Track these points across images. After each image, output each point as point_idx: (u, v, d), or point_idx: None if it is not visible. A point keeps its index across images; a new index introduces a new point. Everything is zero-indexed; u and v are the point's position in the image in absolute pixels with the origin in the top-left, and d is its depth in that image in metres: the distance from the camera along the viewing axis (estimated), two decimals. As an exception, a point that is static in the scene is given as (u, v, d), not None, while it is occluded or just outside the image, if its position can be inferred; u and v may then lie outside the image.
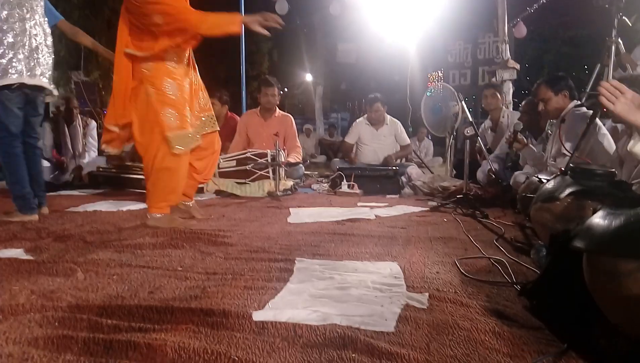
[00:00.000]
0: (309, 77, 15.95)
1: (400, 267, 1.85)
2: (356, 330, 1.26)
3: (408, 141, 5.30)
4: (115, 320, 1.30)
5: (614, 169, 1.85)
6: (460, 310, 1.43)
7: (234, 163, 4.03)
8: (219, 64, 13.09)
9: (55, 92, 2.91)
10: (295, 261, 1.90)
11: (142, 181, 4.29)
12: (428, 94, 4.82)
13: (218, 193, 4.08)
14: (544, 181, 2.21)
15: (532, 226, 2.08)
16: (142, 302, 1.44)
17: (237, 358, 1.08)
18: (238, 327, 1.26)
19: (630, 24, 4.91)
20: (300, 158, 4.86)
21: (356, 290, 1.59)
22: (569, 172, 1.90)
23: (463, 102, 3.56)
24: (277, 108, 4.83)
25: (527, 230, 2.51)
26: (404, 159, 5.39)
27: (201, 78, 2.85)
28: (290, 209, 3.28)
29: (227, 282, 1.65)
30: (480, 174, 4.16)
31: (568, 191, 1.81)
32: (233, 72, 10.53)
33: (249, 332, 1.24)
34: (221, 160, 3.96)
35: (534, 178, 2.35)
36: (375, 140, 5.11)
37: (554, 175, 2.14)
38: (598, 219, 1.19)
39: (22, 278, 1.68)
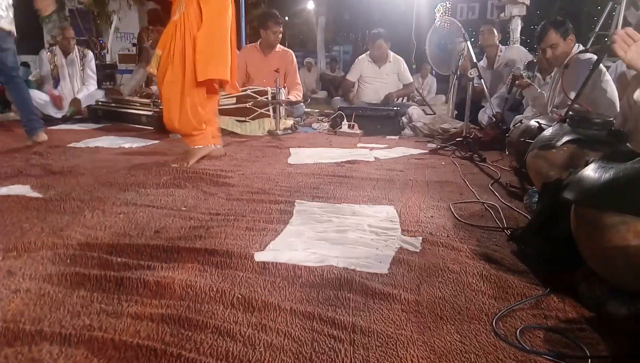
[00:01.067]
0: (310, 5, 15.33)
1: (397, 211, 1.92)
2: (352, 271, 1.33)
3: (411, 79, 5.22)
4: (125, 258, 1.38)
5: (612, 118, 1.86)
6: (451, 253, 1.50)
7: (233, 100, 4.00)
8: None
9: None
10: (295, 204, 1.96)
11: (142, 116, 4.30)
12: (437, 23, 4.66)
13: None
14: (544, 126, 2.23)
15: (528, 172, 2.12)
16: (149, 241, 1.51)
17: (240, 296, 1.16)
18: (241, 266, 1.34)
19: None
20: (301, 96, 4.81)
21: (353, 233, 1.66)
22: (567, 120, 1.91)
23: (469, 43, 3.47)
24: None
25: (522, 175, 2.56)
26: (405, 99, 5.34)
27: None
28: (291, 149, 3.31)
29: (229, 223, 1.72)
30: (481, 116, 4.15)
31: (565, 139, 1.84)
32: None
33: (251, 271, 1.32)
34: (220, 97, 3.93)
35: (533, 122, 2.36)
36: (378, 78, 5.03)
37: (554, 122, 2.15)
38: (589, 172, 1.23)
39: (32, 216, 1.74)
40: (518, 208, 1.98)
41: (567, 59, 2.81)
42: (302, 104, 4.86)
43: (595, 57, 2.13)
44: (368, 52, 5.12)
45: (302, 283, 1.26)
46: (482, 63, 4.76)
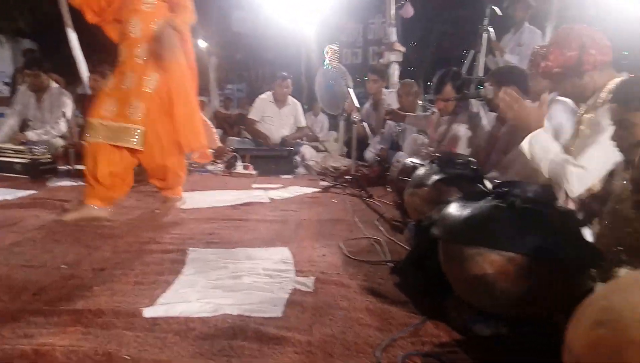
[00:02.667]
0: (202, 43, 15.31)
1: (291, 252, 1.98)
2: (246, 318, 1.36)
3: (305, 122, 5.41)
4: (-4, 328, 1.26)
5: (472, 158, 2.13)
6: (342, 290, 1.59)
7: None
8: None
9: None
10: (188, 251, 1.94)
11: (16, 164, 3.95)
12: (325, 65, 4.91)
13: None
14: (418, 165, 2.47)
15: (407, 209, 2.33)
16: (26, 306, 1.40)
17: (129, 357, 1.13)
18: (129, 325, 1.30)
19: (501, 13, 5.44)
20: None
21: (248, 278, 1.68)
22: (435, 160, 2.16)
23: (351, 89, 3.73)
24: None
25: (403, 209, 2.78)
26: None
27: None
28: (184, 193, 3.25)
29: (116, 278, 1.65)
30: (367, 154, 4.43)
31: (435, 178, 2.06)
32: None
33: (140, 329, 1.28)
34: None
35: (409, 161, 2.61)
36: (277, 119, 5.14)
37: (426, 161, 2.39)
38: (451, 210, 1.40)
39: None
40: (400, 241, 2.15)
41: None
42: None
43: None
44: (270, 91, 5.20)
45: (195, 336, 1.25)
46: (368, 105, 5.11)
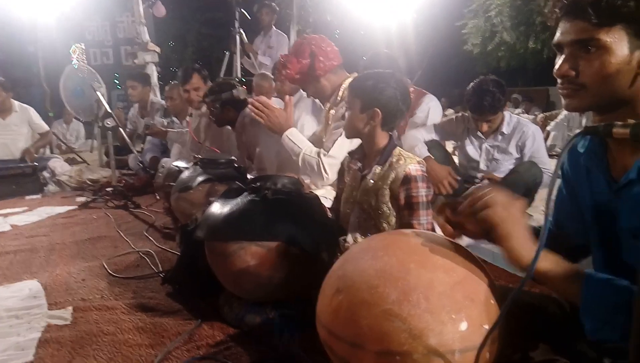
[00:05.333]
0: None
1: (41, 284, 1.72)
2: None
3: (46, 127, 4.69)
4: None
5: (233, 157, 2.20)
6: (107, 314, 1.46)
7: None
8: None
9: None
10: None
11: None
12: (74, 65, 4.36)
13: None
14: (183, 169, 2.42)
15: (176, 214, 2.27)
16: None
17: None
18: None
19: (250, 18, 5.73)
20: None
21: (-15, 325, 1.40)
22: (198, 162, 2.16)
23: (100, 94, 3.42)
24: None
25: (174, 215, 2.71)
26: (47, 150, 4.81)
27: None
28: None
29: None
30: (132, 162, 4.14)
31: (199, 179, 2.06)
32: None
33: None
34: None
35: (174, 165, 2.54)
36: (4, 132, 4.33)
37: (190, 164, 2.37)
38: (213, 210, 1.42)
39: None
40: (172, 249, 2.08)
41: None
42: None
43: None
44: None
45: None
46: (135, 111, 4.76)
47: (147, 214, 2.84)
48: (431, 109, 2.78)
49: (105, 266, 1.89)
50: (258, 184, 1.38)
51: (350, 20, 9.17)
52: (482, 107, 2.41)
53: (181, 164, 2.51)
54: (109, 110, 3.33)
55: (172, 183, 2.42)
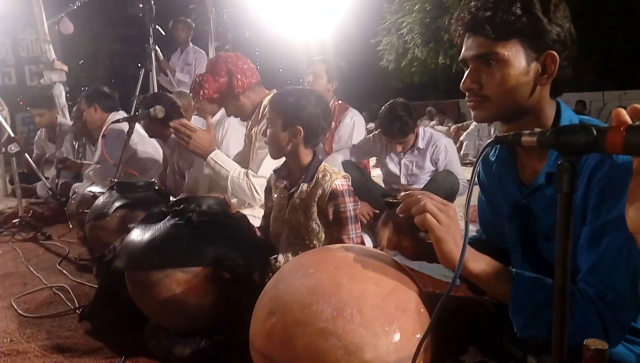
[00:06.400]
0: None
1: None
2: None
3: None
4: None
5: (153, 179, 2.10)
6: (18, 360, 1.33)
7: None
8: None
9: None
10: None
11: None
12: None
13: None
14: (98, 194, 2.27)
15: (91, 244, 2.12)
16: None
17: None
18: None
19: (164, 33, 5.55)
20: None
21: None
22: (115, 186, 2.03)
23: (1, 117, 3.14)
24: None
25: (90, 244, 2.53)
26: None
27: None
28: None
29: None
30: (40, 189, 3.83)
31: (116, 205, 1.94)
32: None
33: None
34: None
35: (87, 191, 2.38)
36: None
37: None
38: (133, 237, 1.34)
39: None
40: (90, 282, 1.94)
41: (103, 128, 2.91)
42: None
43: (126, 126, 2.34)
44: None
45: None
46: (40, 134, 4.44)
47: (60, 245, 2.62)
48: (356, 123, 2.85)
49: (15, 305, 1.72)
50: (182, 206, 1.32)
51: (270, 37, 9.24)
52: (393, 131, 2.56)
53: (96, 189, 2.35)
54: (11, 134, 3.06)
55: (86, 210, 2.25)
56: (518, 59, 0.89)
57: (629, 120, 0.54)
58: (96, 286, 1.86)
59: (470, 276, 0.86)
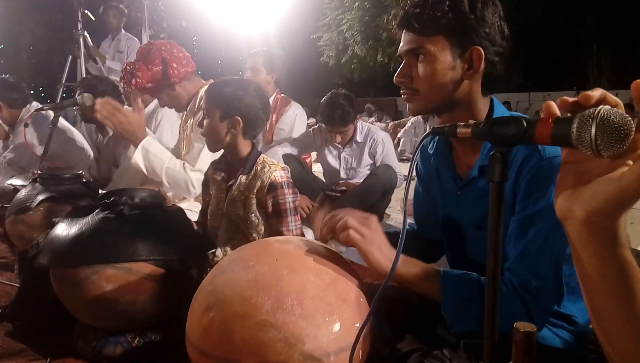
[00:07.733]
0: None
1: None
2: None
3: None
4: None
5: (81, 171, 1.97)
6: None
7: None
8: None
9: None
10: None
11: None
12: None
13: None
14: (19, 187, 2.11)
15: (12, 240, 1.97)
16: None
17: None
18: None
19: (94, 19, 5.25)
20: None
21: None
22: (38, 179, 1.89)
23: None
24: None
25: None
26: None
27: None
28: None
29: None
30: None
31: (40, 198, 1.81)
32: None
33: None
34: None
35: (7, 184, 2.21)
36: None
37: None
38: (58, 232, 1.25)
39: None
40: (11, 281, 1.79)
41: (26, 117, 2.71)
42: None
43: (52, 113, 2.18)
44: None
45: None
46: None
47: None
48: (297, 117, 2.85)
49: None
50: (112, 199, 1.25)
51: (208, 27, 9.01)
52: (333, 119, 2.58)
53: (17, 182, 2.19)
54: None
55: (6, 205, 2.09)
56: (444, 54, 0.92)
57: (557, 112, 0.56)
58: (17, 285, 1.74)
59: (400, 280, 0.89)
